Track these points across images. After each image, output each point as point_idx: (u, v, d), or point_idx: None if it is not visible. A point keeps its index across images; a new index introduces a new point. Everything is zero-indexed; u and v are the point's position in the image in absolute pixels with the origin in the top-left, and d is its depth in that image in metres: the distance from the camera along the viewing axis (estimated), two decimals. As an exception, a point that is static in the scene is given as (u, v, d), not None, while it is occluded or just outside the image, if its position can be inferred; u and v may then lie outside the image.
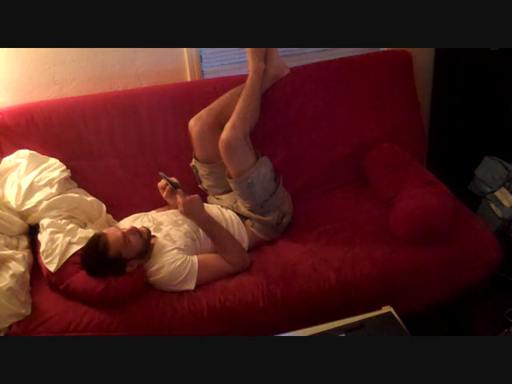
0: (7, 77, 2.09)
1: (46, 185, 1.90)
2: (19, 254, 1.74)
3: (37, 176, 1.91)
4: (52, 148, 2.02)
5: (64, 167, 1.99)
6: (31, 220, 1.87)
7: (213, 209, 1.98)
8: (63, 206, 1.88)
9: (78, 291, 1.68)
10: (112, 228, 1.80)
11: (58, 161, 1.99)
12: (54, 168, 1.96)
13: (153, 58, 2.21)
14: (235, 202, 2.00)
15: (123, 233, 1.73)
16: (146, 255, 1.77)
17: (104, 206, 2.01)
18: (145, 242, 1.76)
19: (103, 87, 2.19)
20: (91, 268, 1.71)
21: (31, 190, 1.88)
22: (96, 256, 1.70)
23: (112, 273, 1.70)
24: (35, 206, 1.85)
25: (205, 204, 1.94)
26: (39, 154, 1.98)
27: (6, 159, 1.97)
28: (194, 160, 2.07)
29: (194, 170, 2.09)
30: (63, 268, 1.71)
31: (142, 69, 2.22)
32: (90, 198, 1.97)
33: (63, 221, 1.83)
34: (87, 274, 1.71)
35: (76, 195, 1.93)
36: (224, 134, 1.85)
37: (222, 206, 2.02)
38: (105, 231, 1.76)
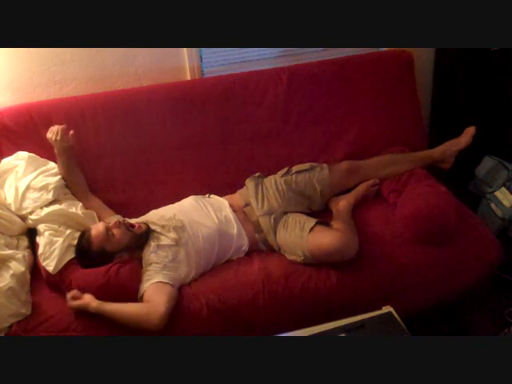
0: (7, 77, 2.09)
1: (41, 188, 1.87)
2: (19, 254, 1.74)
3: (33, 179, 1.88)
4: (52, 148, 2.01)
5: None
6: (29, 223, 1.86)
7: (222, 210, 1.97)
8: (58, 219, 1.85)
9: (80, 288, 1.68)
10: (100, 222, 1.83)
11: (56, 165, 1.97)
12: (52, 173, 1.94)
13: (153, 57, 2.21)
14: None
15: (106, 227, 1.75)
16: (138, 248, 1.79)
17: (95, 213, 1.96)
18: (134, 236, 1.78)
19: (103, 87, 2.19)
20: (80, 262, 1.76)
21: (27, 192, 1.86)
22: (81, 251, 1.76)
23: (101, 265, 1.73)
24: (31, 213, 1.84)
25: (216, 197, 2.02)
26: (38, 157, 1.97)
27: (5, 160, 1.96)
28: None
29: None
30: (63, 269, 1.72)
31: (141, 68, 2.22)
32: (82, 211, 1.91)
33: (61, 226, 1.83)
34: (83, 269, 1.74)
35: (67, 210, 1.87)
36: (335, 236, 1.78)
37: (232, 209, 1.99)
38: (91, 226, 1.80)
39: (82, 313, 1.64)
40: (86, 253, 1.76)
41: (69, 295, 1.64)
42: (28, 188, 1.87)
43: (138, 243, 1.79)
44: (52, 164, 1.98)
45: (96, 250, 1.74)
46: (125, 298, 1.67)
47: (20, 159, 1.95)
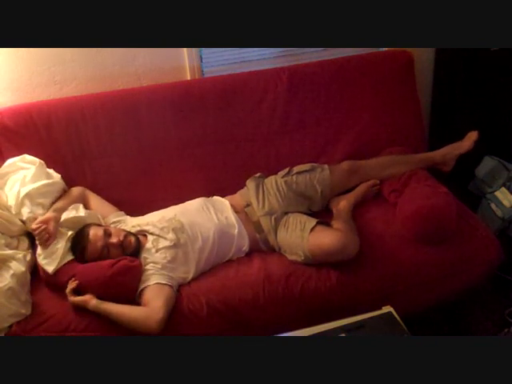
0: (7, 77, 2.08)
1: (38, 204, 1.86)
2: (20, 254, 1.74)
3: (37, 189, 1.86)
4: (51, 148, 2.02)
5: (64, 186, 1.98)
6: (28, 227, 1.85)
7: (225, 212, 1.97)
8: (61, 224, 1.84)
9: (84, 282, 1.68)
10: (99, 233, 1.77)
11: (60, 179, 1.97)
12: (54, 190, 1.93)
13: (153, 57, 2.21)
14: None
15: (106, 243, 1.75)
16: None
17: (99, 215, 1.96)
18: (124, 252, 1.78)
19: (103, 87, 2.19)
20: (76, 256, 1.77)
21: (26, 199, 1.84)
22: (76, 248, 1.78)
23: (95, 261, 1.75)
24: (29, 220, 1.82)
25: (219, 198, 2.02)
26: (46, 168, 1.95)
27: (9, 161, 1.94)
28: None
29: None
30: (60, 268, 1.72)
31: (141, 68, 2.22)
32: (84, 212, 1.91)
33: (64, 229, 1.83)
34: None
35: (68, 216, 1.87)
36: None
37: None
38: (91, 232, 1.77)
39: (82, 313, 1.65)
40: (82, 250, 1.76)
41: (68, 288, 1.66)
42: (29, 196, 1.84)
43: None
44: (56, 177, 1.96)
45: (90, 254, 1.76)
46: (127, 294, 1.69)
47: (27, 163, 1.93)
